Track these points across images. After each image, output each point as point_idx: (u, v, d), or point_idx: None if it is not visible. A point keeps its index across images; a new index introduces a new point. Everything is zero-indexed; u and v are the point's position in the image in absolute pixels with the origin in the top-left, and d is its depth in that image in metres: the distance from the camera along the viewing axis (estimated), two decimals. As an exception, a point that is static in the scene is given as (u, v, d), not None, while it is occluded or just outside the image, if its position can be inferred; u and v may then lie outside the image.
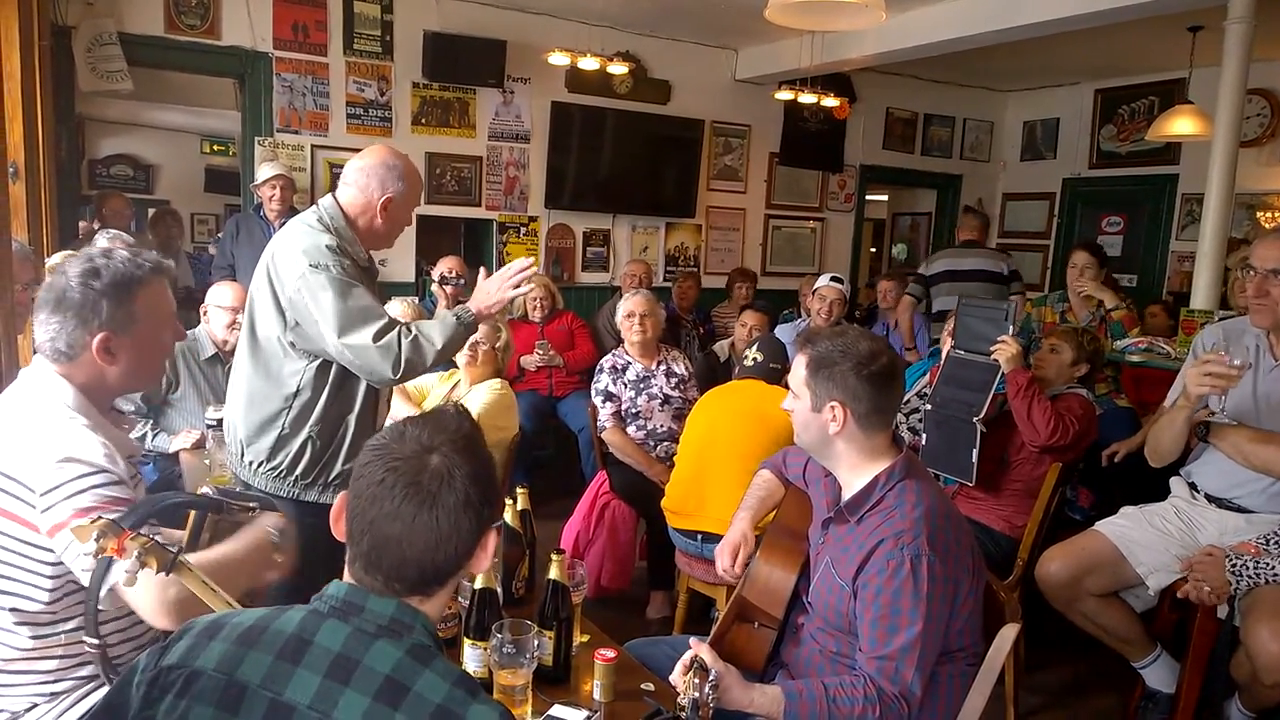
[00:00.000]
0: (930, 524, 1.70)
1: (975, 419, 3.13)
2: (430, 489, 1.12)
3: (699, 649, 1.59)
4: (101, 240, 4.24)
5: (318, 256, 2.27)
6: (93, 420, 1.62)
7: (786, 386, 3.24)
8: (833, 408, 1.79)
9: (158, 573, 1.42)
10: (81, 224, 5.74)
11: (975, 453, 3.12)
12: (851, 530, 1.81)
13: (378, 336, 2.22)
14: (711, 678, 1.51)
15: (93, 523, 1.38)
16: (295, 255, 2.29)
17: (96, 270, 1.62)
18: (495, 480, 1.21)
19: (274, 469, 2.36)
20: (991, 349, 3.18)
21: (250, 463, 2.39)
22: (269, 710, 1.07)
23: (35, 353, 1.67)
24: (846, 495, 1.85)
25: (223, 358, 3.40)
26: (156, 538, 1.43)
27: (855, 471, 1.84)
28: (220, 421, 2.66)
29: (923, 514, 1.71)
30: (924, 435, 3.34)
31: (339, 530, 1.18)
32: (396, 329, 2.25)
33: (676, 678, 1.58)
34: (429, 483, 1.12)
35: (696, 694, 1.47)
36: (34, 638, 1.59)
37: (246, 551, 1.66)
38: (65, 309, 1.61)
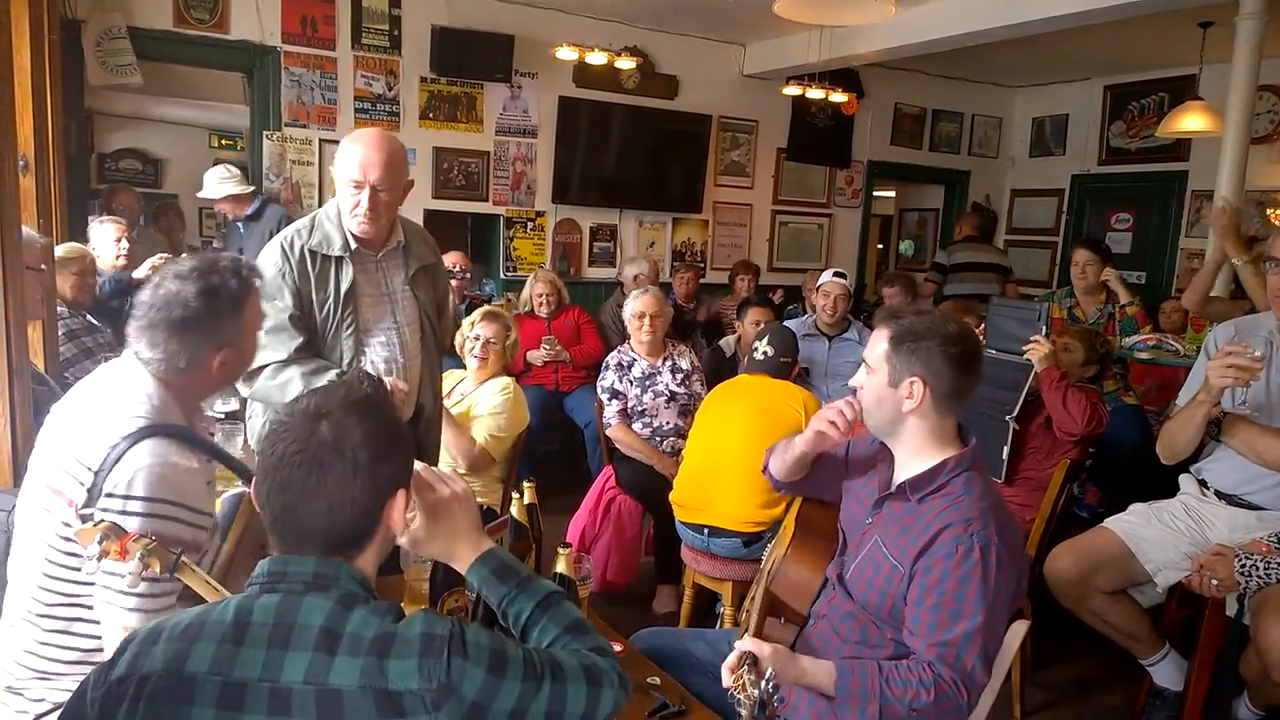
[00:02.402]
0: (998, 516, 1.69)
1: (1008, 417, 3.14)
2: (319, 457, 1.14)
3: (748, 643, 1.53)
4: (95, 227, 4.25)
5: (264, 258, 2.36)
6: (175, 420, 1.63)
7: (796, 381, 3.26)
8: (911, 384, 1.75)
9: (161, 574, 1.42)
10: (91, 219, 5.75)
11: (1006, 450, 3.15)
12: (912, 510, 1.77)
13: (250, 376, 2.30)
14: (769, 675, 1.40)
15: (95, 525, 1.39)
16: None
17: (215, 290, 1.62)
18: (395, 440, 1.22)
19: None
20: (1024, 348, 3.19)
21: None
22: (221, 693, 1.08)
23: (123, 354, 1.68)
24: (904, 475, 1.81)
25: None
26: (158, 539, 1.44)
27: (919, 454, 1.80)
28: (229, 415, 2.67)
29: (990, 506, 1.70)
30: None
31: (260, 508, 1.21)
32: (263, 371, 2.30)
33: (727, 681, 1.47)
34: (317, 451, 1.15)
35: (756, 690, 1.37)
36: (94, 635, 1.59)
37: None
38: (190, 330, 1.60)
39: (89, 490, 1.51)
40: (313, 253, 2.37)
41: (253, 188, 5.09)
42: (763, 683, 1.38)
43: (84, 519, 1.49)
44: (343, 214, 2.39)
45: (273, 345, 2.30)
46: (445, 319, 2.73)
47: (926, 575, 1.67)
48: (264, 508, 1.18)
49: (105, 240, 4.17)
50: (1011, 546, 1.68)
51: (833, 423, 1.93)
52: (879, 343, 1.81)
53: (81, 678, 1.56)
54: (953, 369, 1.75)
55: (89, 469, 1.52)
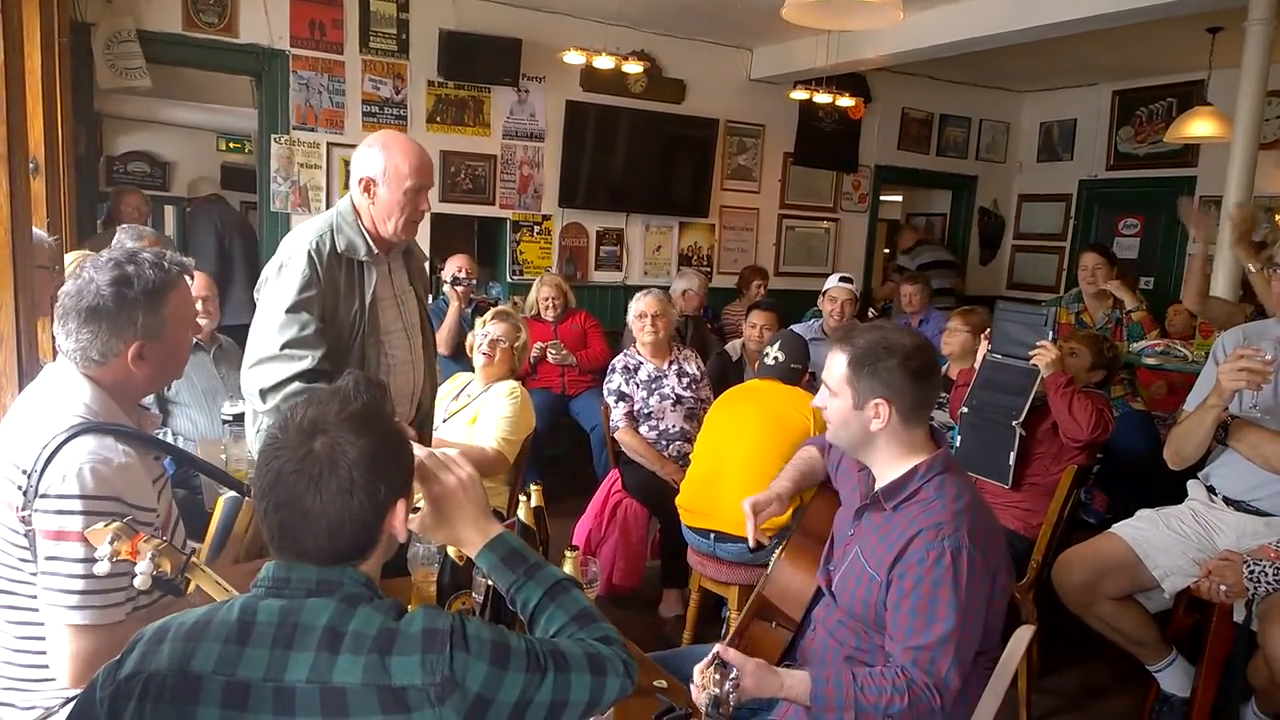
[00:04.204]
0: (971, 518, 1.69)
1: (1014, 422, 3.14)
2: (313, 475, 1.13)
3: (721, 649, 1.55)
4: (123, 237, 4.25)
5: (286, 252, 2.30)
6: (114, 418, 1.61)
7: (805, 387, 3.27)
8: (877, 405, 1.76)
9: (171, 575, 1.42)
10: (100, 222, 5.77)
11: (1013, 455, 3.14)
12: (888, 519, 1.78)
13: (276, 389, 2.21)
14: (732, 675, 1.48)
15: (106, 525, 1.39)
16: (282, 245, 2.36)
17: (128, 278, 1.60)
18: (393, 452, 1.21)
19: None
20: (1030, 354, 3.19)
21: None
22: (225, 692, 1.09)
23: (58, 354, 1.66)
24: (880, 484, 1.82)
25: (204, 345, 3.43)
26: (170, 540, 1.44)
27: (892, 465, 1.81)
28: (236, 417, 2.68)
29: (964, 507, 1.70)
30: (957, 437, 3.35)
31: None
32: (292, 388, 2.19)
33: (696, 676, 1.54)
34: (312, 470, 1.13)
35: (717, 690, 1.45)
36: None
37: None
38: (99, 319, 1.58)
39: (24, 492, 1.49)
40: (339, 257, 2.33)
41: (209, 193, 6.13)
42: (726, 684, 1.45)
43: (24, 521, 1.49)
44: (386, 220, 2.34)
45: (298, 358, 2.24)
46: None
47: (901, 581, 1.69)
48: (263, 524, 1.17)
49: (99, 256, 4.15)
50: (985, 546, 1.68)
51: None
52: (838, 365, 1.81)
53: (63, 680, 1.57)
54: (915, 384, 1.76)
55: (23, 471, 1.50)
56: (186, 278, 1.72)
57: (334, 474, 1.13)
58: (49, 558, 1.48)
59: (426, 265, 2.73)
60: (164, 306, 1.63)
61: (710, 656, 1.53)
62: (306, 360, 2.23)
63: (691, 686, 1.54)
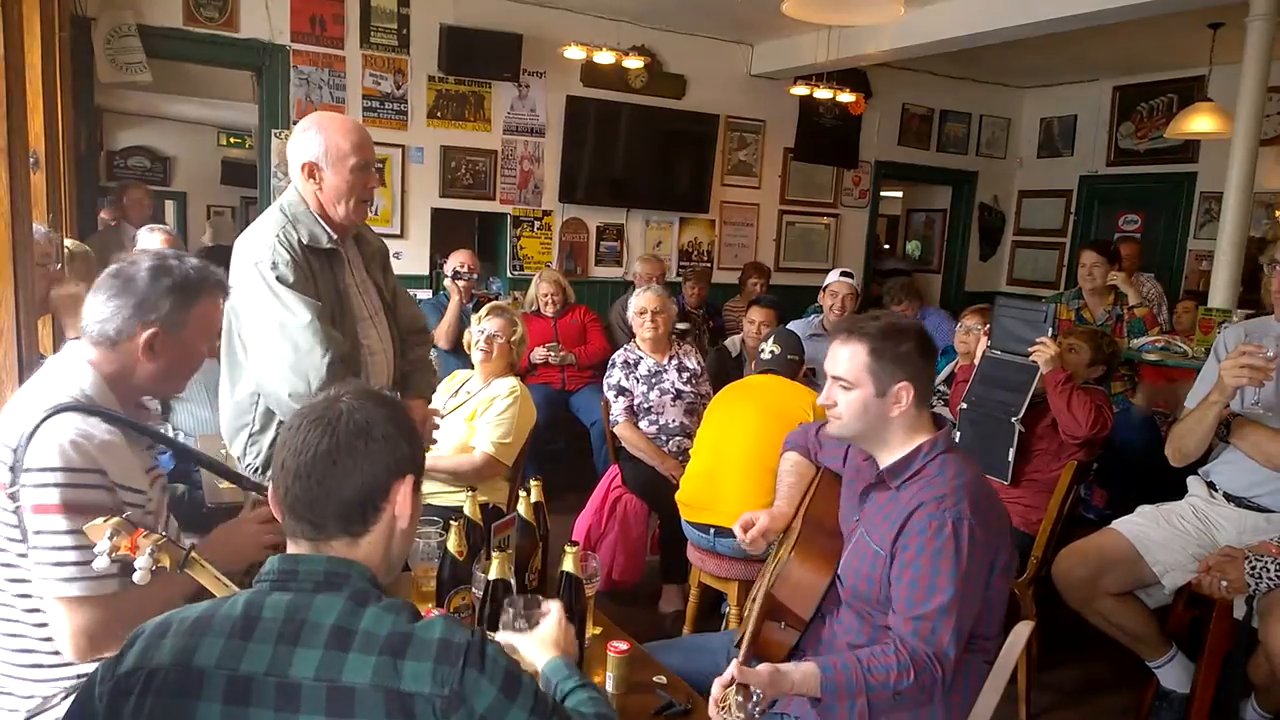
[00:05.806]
0: (972, 492, 1.72)
1: (1014, 419, 3.13)
2: (330, 419, 1.20)
3: (738, 673, 1.54)
4: (144, 235, 4.26)
5: (254, 252, 2.18)
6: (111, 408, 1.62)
7: (804, 380, 3.27)
8: (900, 389, 1.78)
9: (171, 569, 1.43)
10: (102, 215, 5.77)
11: (1012, 452, 3.14)
12: (892, 498, 1.81)
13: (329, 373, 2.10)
14: (755, 694, 1.49)
15: (105, 521, 1.39)
16: (238, 249, 2.24)
17: (169, 269, 1.67)
18: (404, 429, 1.26)
19: (250, 468, 2.28)
20: (1030, 350, 3.18)
21: (236, 459, 2.34)
22: (228, 687, 1.09)
23: (76, 338, 1.68)
24: (886, 465, 1.84)
25: None
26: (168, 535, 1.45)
27: (900, 447, 1.83)
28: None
29: (964, 483, 1.73)
30: (956, 433, 3.35)
31: (276, 510, 1.23)
32: (323, 363, 2.09)
33: (716, 694, 1.53)
34: (330, 415, 1.21)
35: (741, 714, 1.46)
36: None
37: None
38: (128, 295, 1.63)
39: (11, 469, 1.51)
40: (307, 248, 2.22)
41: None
42: (750, 704, 1.46)
43: (12, 498, 1.51)
44: (336, 203, 2.24)
45: (325, 338, 2.14)
46: (406, 302, 2.63)
47: (904, 553, 1.71)
48: (282, 482, 1.20)
49: (152, 248, 4.16)
50: (985, 520, 1.70)
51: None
52: (856, 355, 1.80)
53: (65, 669, 1.58)
54: (928, 364, 1.82)
55: (10, 448, 1.52)
56: (221, 296, 1.77)
57: (352, 422, 1.20)
58: (36, 532, 1.50)
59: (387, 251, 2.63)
60: (191, 306, 1.68)
61: (728, 678, 1.53)
62: (336, 343, 2.15)
63: (710, 702, 1.54)
